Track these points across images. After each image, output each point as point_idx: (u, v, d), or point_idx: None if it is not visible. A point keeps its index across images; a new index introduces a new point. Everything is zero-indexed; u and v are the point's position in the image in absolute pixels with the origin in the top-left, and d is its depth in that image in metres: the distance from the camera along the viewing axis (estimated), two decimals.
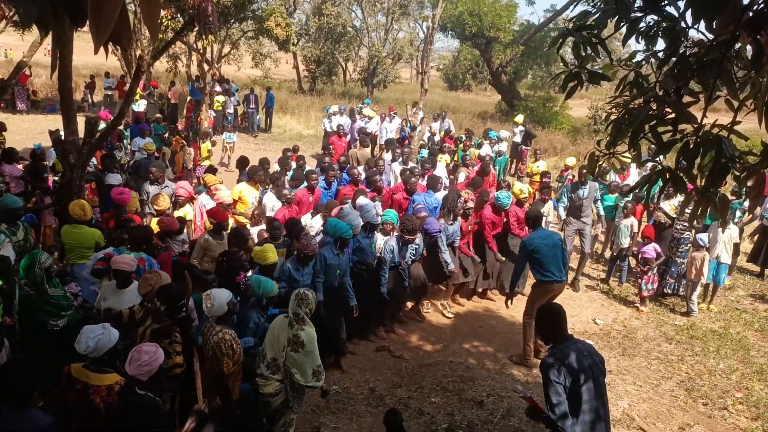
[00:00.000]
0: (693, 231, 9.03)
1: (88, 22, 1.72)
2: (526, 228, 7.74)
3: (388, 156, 12.07)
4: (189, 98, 20.33)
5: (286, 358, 4.47)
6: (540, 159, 13.82)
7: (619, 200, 9.88)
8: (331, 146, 12.35)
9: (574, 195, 9.33)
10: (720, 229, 8.78)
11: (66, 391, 3.60)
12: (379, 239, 7.28)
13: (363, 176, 9.58)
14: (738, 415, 6.24)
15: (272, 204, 8.26)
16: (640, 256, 8.87)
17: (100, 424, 3.56)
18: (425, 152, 12.75)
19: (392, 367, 6.75)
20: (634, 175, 11.05)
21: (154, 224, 7.00)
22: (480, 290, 8.95)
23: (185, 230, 7.19)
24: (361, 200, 7.59)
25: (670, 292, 9.11)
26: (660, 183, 2.90)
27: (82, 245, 5.87)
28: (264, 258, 5.68)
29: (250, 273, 5.76)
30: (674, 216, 9.17)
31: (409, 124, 16.09)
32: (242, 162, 9.87)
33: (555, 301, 6.40)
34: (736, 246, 9.77)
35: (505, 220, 8.54)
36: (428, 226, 7.48)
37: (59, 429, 3.37)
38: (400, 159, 11.25)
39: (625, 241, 9.42)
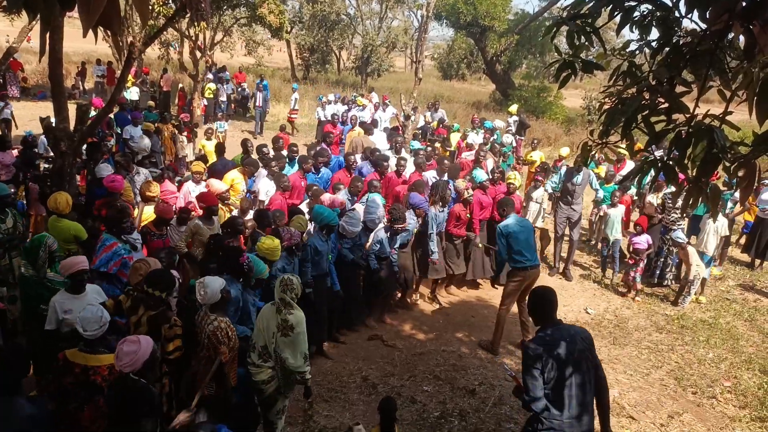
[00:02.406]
0: (685, 222, 9.09)
1: (77, 6, 1.70)
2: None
3: (381, 144, 12.01)
4: (180, 86, 20.14)
5: (276, 344, 4.49)
6: (537, 149, 13.83)
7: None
8: (332, 135, 12.24)
9: (569, 182, 9.39)
10: (710, 221, 8.83)
11: (62, 376, 3.60)
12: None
13: (359, 163, 9.55)
14: (726, 403, 6.32)
15: (266, 188, 8.22)
16: (630, 247, 8.93)
17: (101, 403, 3.59)
18: (416, 143, 12.69)
19: (385, 356, 6.78)
20: (630, 166, 11.08)
21: (148, 212, 6.97)
22: (470, 279, 9.01)
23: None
24: (375, 199, 7.49)
25: (669, 283, 9.20)
26: (652, 173, 2.92)
27: (60, 238, 5.80)
28: (271, 254, 5.52)
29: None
30: (663, 206, 9.23)
31: (403, 113, 16.05)
32: (220, 149, 10.00)
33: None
34: (726, 237, 9.84)
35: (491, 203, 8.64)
36: (413, 200, 7.46)
37: (49, 417, 3.36)
38: (394, 148, 11.20)
39: (616, 232, 9.43)
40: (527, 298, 4.07)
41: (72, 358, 3.62)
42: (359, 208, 7.50)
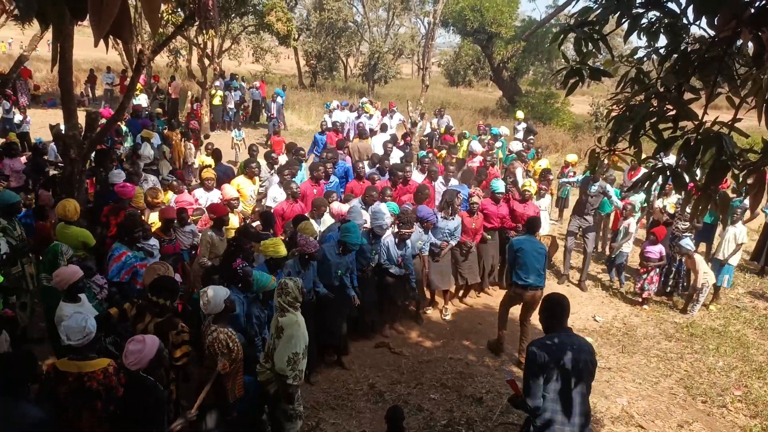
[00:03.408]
0: (694, 230, 9.02)
1: (88, 16, 1.71)
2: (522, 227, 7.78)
3: (379, 148, 12.05)
4: (191, 95, 20.24)
5: (273, 346, 4.51)
6: (542, 158, 13.76)
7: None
8: (343, 141, 12.38)
9: (584, 191, 9.31)
10: (729, 228, 8.77)
11: (56, 386, 3.60)
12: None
13: (367, 171, 9.56)
14: (737, 412, 6.25)
15: (274, 195, 8.23)
16: (643, 255, 8.84)
17: (100, 407, 3.59)
18: (423, 153, 12.70)
19: (392, 364, 6.76)
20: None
21: (153, 218, 7.00)
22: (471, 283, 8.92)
23: (191, 222, 7.16)
24: (378, 206, 7.46)
25: (678, 290, 9.13)
26: (660, 181, 2.90)
27: (68, 245, 5.82)
28: (275, 250, 5.55)
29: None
30: (674, 213, 9.17)
31: (410, 120, 16.06)
32: (216, 154, 10.05)
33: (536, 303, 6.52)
34: (739, 245, 9.77)
35: (502, 214, 8.57)
36: (421, 213, 7.42)
37: (51, 424, 3.37)
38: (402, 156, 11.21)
39: (627, 245, 9.32)
40: (538, 308, 4.06)
41: (63, 368, 3.61)
42: (355, 202, 7.55)
